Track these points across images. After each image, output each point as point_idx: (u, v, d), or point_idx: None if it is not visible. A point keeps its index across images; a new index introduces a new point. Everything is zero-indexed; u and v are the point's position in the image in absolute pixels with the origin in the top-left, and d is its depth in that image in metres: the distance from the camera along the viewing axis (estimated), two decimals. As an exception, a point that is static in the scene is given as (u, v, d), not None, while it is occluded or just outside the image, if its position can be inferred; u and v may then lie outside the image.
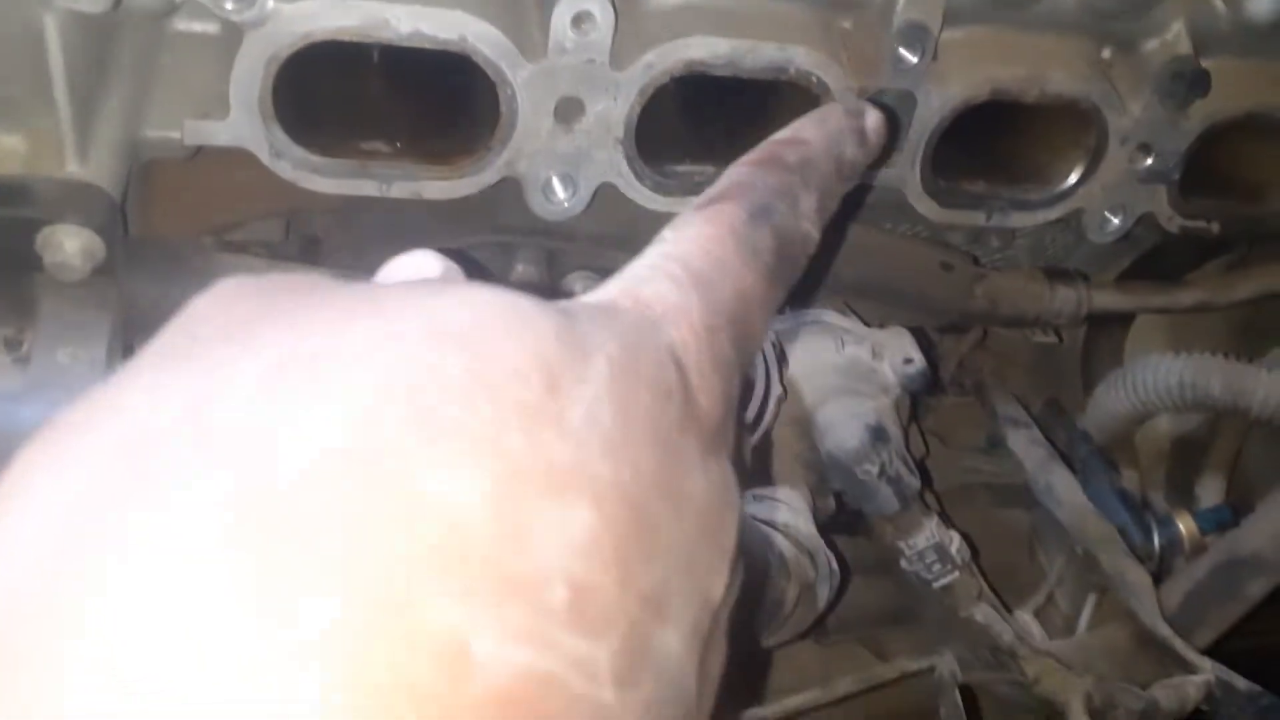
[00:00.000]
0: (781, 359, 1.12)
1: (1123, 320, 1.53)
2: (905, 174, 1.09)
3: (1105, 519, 1.29)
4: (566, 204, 1.02)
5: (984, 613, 1.22)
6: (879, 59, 1.00)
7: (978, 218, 1.15)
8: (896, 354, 1.17)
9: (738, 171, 0.45)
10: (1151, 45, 1.09)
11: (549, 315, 0.32)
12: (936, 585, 1.20)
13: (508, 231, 1.14)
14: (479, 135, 0.98)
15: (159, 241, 0.97)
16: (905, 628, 1.40)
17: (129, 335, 0.89)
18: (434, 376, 0.29)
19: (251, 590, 0.25)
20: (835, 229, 1.21)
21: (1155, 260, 1.45)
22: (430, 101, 1.04)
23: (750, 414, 1.07)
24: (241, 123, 0.90)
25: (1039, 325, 1.35)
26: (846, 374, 1.15)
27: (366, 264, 1.13)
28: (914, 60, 1.00)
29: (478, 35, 0.90)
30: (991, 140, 1.16)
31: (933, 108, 1.04)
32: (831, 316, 1.21)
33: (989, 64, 1.05)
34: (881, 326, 1.24)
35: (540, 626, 0.27)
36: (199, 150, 0.94)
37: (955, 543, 1.20)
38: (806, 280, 1.27)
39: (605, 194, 1.03)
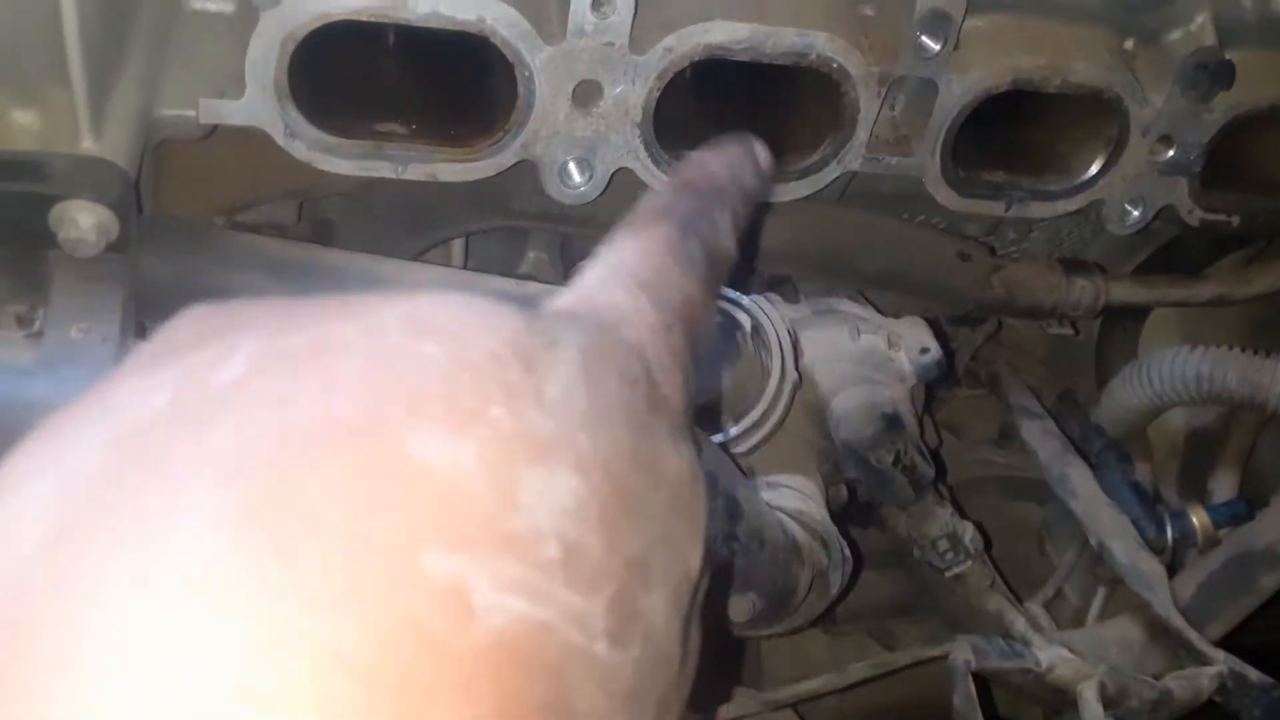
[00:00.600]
0: (796, 347, 1.11)
1: (1138, 314, 1.52)
2: (925, 162, 1.08)
3: (1119, 511, 1.28)
4: (583, 188, 1.01)
5: (996, 602, 1.22)
6: (901, 46, 0.99)
7: (997, 208, 1.14)
8: (913, 343, 1.16)
9: (659, 197, 0.48)
10: (1175, 36, 1.08)
11: (517, 311, 0.34)
12: (949, 574, 1.20)
13: (522, 217, 1.14)
14: (495, 118, 0.97)
15: (174, 220, 0.97)
16: (913, 619, 1.40)
17: (142, 313, 0.88)
18: (416, 360, 0.30)
19: (262, 557, 0.26)
20: (851, 218, 1.20)
21: (1172, 253, 1.44)
22: (447, 83, 1.03)
23: (765, 402, 1.07)
24: (257, 102, 0.89)
25: (1055, 316, 1.34)
26: (862, 362, 1.15)
27: (379, 248, 1.13)
28: (936, 48, 0.99)
29: (496, 17, 0.89)
30: (1012, 130, 1.15)
31: (954, 96, 1.03)
32: (847, 305, 1.20)
33: (1011, 53, 1.03)
34: (897, 317, 1.24)
35: (536, 579, 0.28)
36: (214, 130, 0.93)
37: (969, 533, 1.20)
38: (824, 269, 1.25)
39: (622, 179, 1.02)
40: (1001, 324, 1.47)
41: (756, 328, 1.10)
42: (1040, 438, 1.34)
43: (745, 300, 1.11)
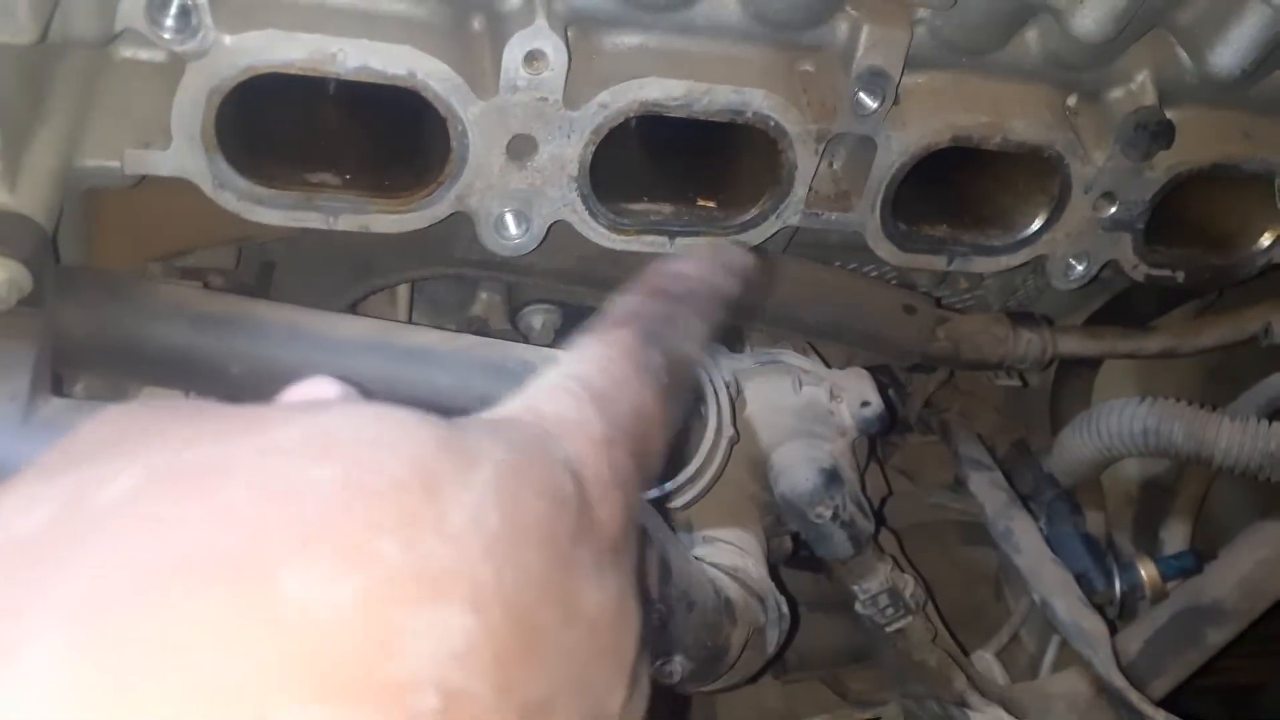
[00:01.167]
0: (735, 401, 1.10)
1: (1092, 362, 1.52)
2: (865, 218, 1.08)
3: (1063, 566, 1.27)
4: (519, 240, 1.00)
5: (937, 658, 1.21)
6: (839, 103, 0.99)
7: (939, 262, 1.14)
8: (855, 396, 1.16)
9: (628, 302, 0.48)
10: (1116, 94, 1.08)
11: (432, 427, 0.33)
12: (890, 629, 1.19)
13: (464, 265, 1.13)
14: (430, 169, 0.97)
15: (94, 272, 0.96)
16: (866, 666, 1.39)
17: (61, 366, 0.87)
18: (309, 486, 0.29)
19: (101, 699, 0.25)
20: (796, 271, 1.20)
21: (1126, 303, 1.44)
22: (381, 134, 1.03)
23: (700, 456, 1.06)
24: (184, 153, 0.88)
25: (1003, 368, 1.33)
26: (803, 416, 1.14)
27: (321, 293, 1.11)
28: (874, 105, 0.99)
29: (428, 71, 0.89)
30: (956, 183, 1.15)
31: (893, 153, 1.03)
32: (790, 356, 1.20)
33: (950, 110, 1.03)
34: (846, 365, 1.23)
35: None
36: (143, 178, 0.92)
37: (909, 587, 1.19)
38: (770, 320, 1.24)
39: (560, 230, 1.02)
40: (953, 371, 1.47)
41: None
42: (987, 490, 1.34)
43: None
